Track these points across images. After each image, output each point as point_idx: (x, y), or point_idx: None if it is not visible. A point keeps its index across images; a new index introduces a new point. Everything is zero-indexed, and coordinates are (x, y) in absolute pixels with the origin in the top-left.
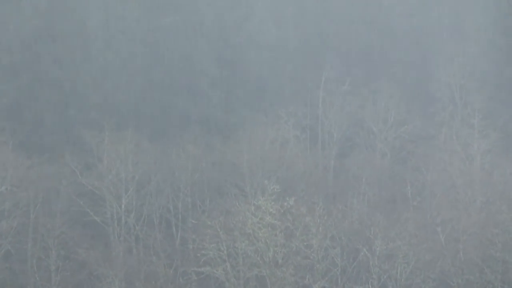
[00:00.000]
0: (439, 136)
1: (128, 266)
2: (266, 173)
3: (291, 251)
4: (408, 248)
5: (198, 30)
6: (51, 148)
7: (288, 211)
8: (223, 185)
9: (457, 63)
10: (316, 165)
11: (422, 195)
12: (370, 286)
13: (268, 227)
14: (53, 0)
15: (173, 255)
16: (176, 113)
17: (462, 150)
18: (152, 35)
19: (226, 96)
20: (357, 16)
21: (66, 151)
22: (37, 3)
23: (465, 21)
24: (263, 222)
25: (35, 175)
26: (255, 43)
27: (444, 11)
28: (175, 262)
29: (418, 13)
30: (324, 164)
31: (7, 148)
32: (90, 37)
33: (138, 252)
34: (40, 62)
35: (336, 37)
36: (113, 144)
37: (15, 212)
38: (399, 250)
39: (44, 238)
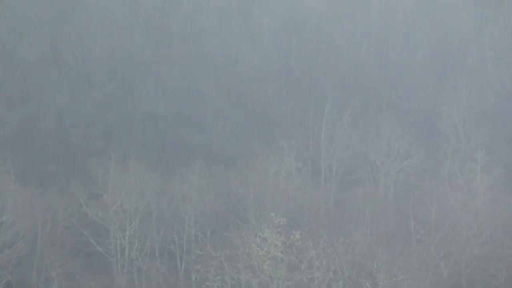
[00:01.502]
0: (442, 170)
1: None
2: (270, 205)
3: (294, 284)
4: (411, 282)
5: (202, 60)
6: (54, 178)
7: (294, 244)
8: (227, 216)
9: (461, 96)
10: (319, 198)
11: (425, 229)
12: None
13: (273, 260)
14: (58, 29)
15: (175, 287)
16: (179, 144)
17: (465, 184)
18: (156, 65)
19: (229, 127)
20: (361, 49)
21: (71, 181)
22: (42, 31)
23: (469, 55)
24: (268, 255)
25: (39, 205)
26: (258, 75)
27: (448, 45)
28: None
29: (422, 47)
30: (327, 197)
31: (9, 178)
32: (95, 66)
33: (140, 283)
34: (44, 91)
35: (339, 69)
36: (118, 175)
37: (16, 242)
38: (402, 284)
39: (47, 268)
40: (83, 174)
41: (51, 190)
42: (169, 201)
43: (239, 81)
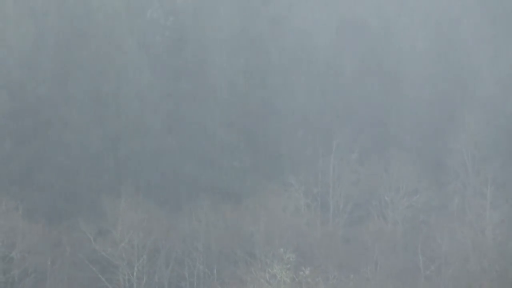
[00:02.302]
0: (451, 205)
1: None
2: (279, 241)
3: None
4: None
5: (210, 96)
6: (63, 214)
7: (304, 281)
8: (236, 252)
9: (469, 131)
10: (327, 234)
11: (435, 265)
12: None
13: None
14: (66, 63)
15: None
16: (187, 180)
17: (475, 220)
18: (164, 101)
19: (237, 163)
20: (369, 84)
21: (79, 217)
22: (49, 66)
23: (476, 90)
24: None
25: (47, 241)
26: (266, 110)
27: (456, 80)
28: None
29: (431, 82)
30: (336, 233)
31: (17, 214)
32: (103, 102)
33: None
34: (52, 127)
35: (347, 104)
36: (127, 211)
37: (25, 278)
38: None
39: None
40: (92, 210)
41: (60, 226)
42: (177, 237)
43: (247, 117)
